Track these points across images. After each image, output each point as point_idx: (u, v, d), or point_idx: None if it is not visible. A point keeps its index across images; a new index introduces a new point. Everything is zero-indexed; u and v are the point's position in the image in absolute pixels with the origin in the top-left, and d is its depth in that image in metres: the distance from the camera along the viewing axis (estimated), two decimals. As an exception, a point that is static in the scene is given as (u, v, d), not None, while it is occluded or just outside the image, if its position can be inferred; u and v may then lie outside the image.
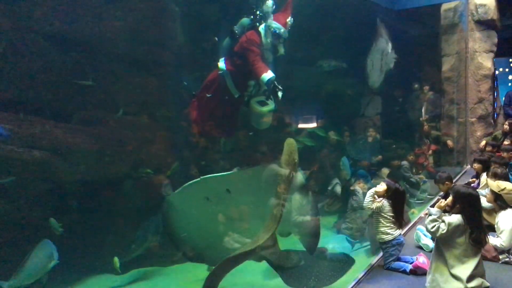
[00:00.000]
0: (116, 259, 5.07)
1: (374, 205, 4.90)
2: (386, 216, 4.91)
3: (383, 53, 9.71)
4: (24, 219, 4.81)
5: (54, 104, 5.23)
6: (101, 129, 5.43)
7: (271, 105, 6.37)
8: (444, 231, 3.84)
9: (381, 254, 5.19)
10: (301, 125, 9.71)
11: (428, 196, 8.70)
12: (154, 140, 6.11)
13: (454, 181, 8.92)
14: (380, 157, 9.43)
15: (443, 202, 4.01)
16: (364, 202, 5.02)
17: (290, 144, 5.05)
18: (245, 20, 6.38)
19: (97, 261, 5.27)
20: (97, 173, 5.32)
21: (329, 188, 8.61)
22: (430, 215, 3.94)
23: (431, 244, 5.67)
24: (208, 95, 6.23)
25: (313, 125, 9.96)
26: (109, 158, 5.40)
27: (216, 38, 6.54)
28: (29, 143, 4.69)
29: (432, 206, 4.09)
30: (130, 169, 5.70)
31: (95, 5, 5.59)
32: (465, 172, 10.23)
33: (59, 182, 4.97)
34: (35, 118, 4.92)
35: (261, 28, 6.24)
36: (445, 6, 10.95)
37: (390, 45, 9.81)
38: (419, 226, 6.18)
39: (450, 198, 4.01)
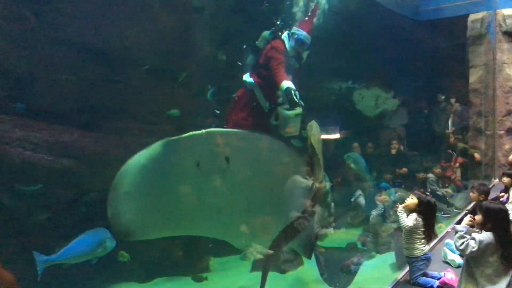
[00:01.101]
0: (123, 252, 4.95)
1: (411, 222, 4.57)
2: (419, 231, 4.61)
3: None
4: (50, 225, 4.89)
5: (82, 113, 5.34)
6: (127, 138, 5.50)
7: (298, 110, 6.30)
8: (475, 249, 3.71)
9: (407, 268, 5.07)
10: (323, 136, 9.65)
11: (455, 210, 8.51)
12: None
13: (481, 194, 8.72)
14: (405, 169, 9.28)
15: (471, 219, 3.89)
16: (401, 221, 4.61)
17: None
18: (266, 33, 6.39)
19: (122, 268, 5.29)
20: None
21: (352, 199, 8.51)
22: (457, 232, 3.83)
23: (458, 260, 5.52)
24: (239, 110, 6.21)
25: (337, 136, 9.89)
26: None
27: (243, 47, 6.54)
28: (58, 151, 4.77)
29: (459, 222, 3.98)
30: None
31: (123, 18, 5.70)
32: (493, 186, 9.97)
33: (85, 190, 5.05)
34: (63, 127, 5.02)
35: (284, 36, 6.24)
36: (472, 17, 10.78)
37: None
38: (447, 241, 6.04)
39: (479, 216, 3.89)
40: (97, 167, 5.02)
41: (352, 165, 8.10)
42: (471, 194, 6.09)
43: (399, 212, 4.62)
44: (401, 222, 4.59)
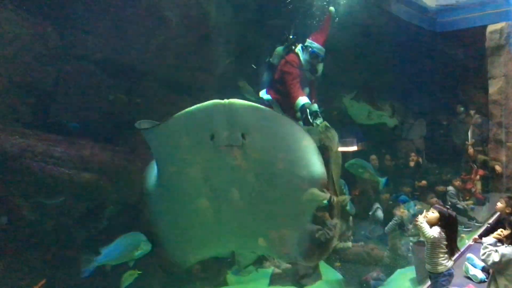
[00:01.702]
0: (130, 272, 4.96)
1: (436, 234, 4.44)
2: (442, 245, 4.50)
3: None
4: (69, 238, 4.95)
5: (102, 127, 5.43)
6: (147, 151, 5.55)
7: (318, 121, 6.25)
8: (496, 260, 3.67)
9: (428, 283, 4.98)
10: (341, 148, 9.60)
11: (476, 224, 8.37)
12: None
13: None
14: (424, 182, 9.17)
15: (500, 233, 3.83)
16: (425, 232, 4.44)
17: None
18: (279, 49, 6.40)
19: (138, 282, 5.31)
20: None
21: (370, 213, 8.42)
22: (484, 243, 3.78)
23: (479, 275, 5.43)
24: None
25: (354, 148, 9.84)
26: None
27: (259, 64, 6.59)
28: (79, 165, 4.84)
29: (481, 235, 3.92)
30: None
31: (141, 33, 5.79)
32: (515, 198, 9.78)
33: (106, 203, 5.11)
34: (84, 141, 5.10)
35: (298, 49, 6.23)
36: (490, 28, 10.69)
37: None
38: (468, 255, 5.94)
39: (508, 230, 3.83)
40: (117, 180, 5.08)
41: (360, 170, 7.93)
42: (498, 204, 5.98)
43: (421, 223, 4.52)
44: (425, 233, 4.46)
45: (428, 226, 4.50)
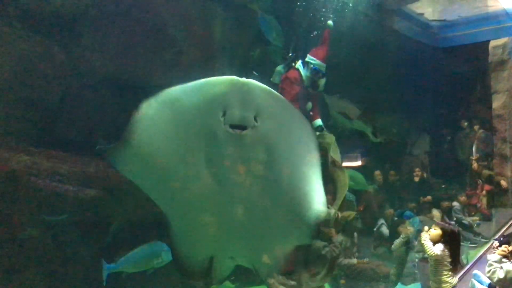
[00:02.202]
0: None
1: (439, 251, 4.44)
2: (445, 262, 4.51)
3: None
4: (74, 256, 4.94)
5: (108, 143, 5.45)
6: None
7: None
8: (502, 277, 3.64)
9: (434, 301, 4.93)
10: (345, 164, 9.59)
11: (482, 240, 8.29)
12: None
13: (510, 223, 8.51)
14: (429, 197, 9.12)
15: (505, 249, 3.81)
16: (428, 250, 4.47)
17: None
18: (279, 67, 6.41)
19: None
20: (145, 212, 5.41)
21: (375, 229, 8.37)
22: (489, 260, 3.75)
23: (486, 292, 5.37)
24: None
25: (358, 163, 9.82)
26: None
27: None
28: (84, 182, 4.86)
29: (487, 251, 3.90)
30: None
31: (146, 51, 5.85)
32: (522, 214, 9.71)
33: (110, 221, 5.11)
34: (89, 158, 5.12)
35: (298, 65, 6.24)
36: (493, 43, 10.76)
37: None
38: (475, 272, 5.88)
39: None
40: (122, 197, 5.08)
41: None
42: None
43: (424, 240, 4.51)
44: (428, 251, 4.46)
45: (431, 244, 4.49)
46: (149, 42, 5.74)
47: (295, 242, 4.28)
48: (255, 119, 3.35)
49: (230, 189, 3.61)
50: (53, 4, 5.13)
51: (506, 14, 10.54)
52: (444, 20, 10.97)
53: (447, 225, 4.70)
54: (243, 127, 3.33)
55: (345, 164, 9.55)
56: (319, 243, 5.80)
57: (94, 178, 4.92)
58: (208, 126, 3.36)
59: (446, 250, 4.45)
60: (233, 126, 3.32)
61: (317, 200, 3.95)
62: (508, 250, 3.79)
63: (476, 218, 8.98)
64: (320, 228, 6.19)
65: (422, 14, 10.37)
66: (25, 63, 4.92)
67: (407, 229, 7.08)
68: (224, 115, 3.30)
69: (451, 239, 4.52)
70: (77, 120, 5.32)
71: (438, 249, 4.43)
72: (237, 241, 4.13)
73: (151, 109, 3.58)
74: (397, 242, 7.12)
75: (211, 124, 3.34)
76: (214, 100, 3.32)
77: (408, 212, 8.33)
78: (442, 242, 4.52)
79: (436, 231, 4.56)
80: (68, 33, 5.31)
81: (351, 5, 7.93)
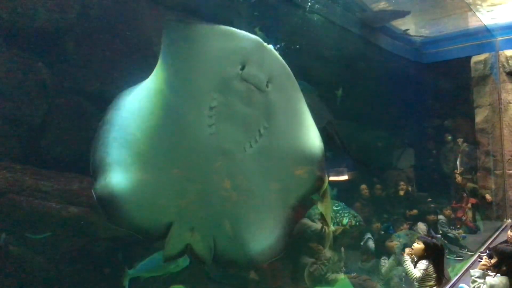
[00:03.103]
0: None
1: (421, 273, 4.45)
2: (430, 278, 4.51)
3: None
4: (58, 274, 4.86)
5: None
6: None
7: None
8: (487, 293, 3.65)
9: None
10: (331, 178, 9.63)
11: (468, 253, 8.34)
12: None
13: (494, 235, 8.59)
14: (415, 211, 9.18)
15: (486, 262, 3.84)
16: (409, 273, 4.48)
17: None
18: None
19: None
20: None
21: (362, 243, 8.37)
22: (472, 276, 3.77)
23: (474, 305, 5.39)
24: None
25: (344, 177, 9.86)
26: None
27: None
28: (67, 199, 4.80)
29: (472, 265, 3.92)
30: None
31: (132, 67, 5.86)
32: (506, 226, 9.81)
33: (94, 238, 5.04)
34: (73, 174, 5.07)
35: None
36: (475, 59, 11.00)
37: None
38: (461, 285, 5.91)
39: (494, 259, 3.83)
40: (106, 214, 5.03)
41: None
42: (509, 233, 6.04)
43: (405, 262, 4.53)
44: (409, 274, 4.50)
45: (412, 266, 4.53)
46: (134, 59, 5.74)
47: (279, 227, 3.89)
48: (267, 84, 3.36)
49: (226, 141, 3.46)
50: (38, 20, 5.12)
51: (486, 31, 10.80)
52: (426, 37, 11.19)
53: (430, 238, 4.72)
54: (255, 87, 3.33)
55: (331, 178, 9.64)
56: (307, 260, 5.80)
57: (78, 195, 4.86)
58: (226, 73, 3.31)
59: (430, 266, 4.48)
60: (247, 82, 3.31)
61: (311, 180, 3.81)
62: (489, 263, 3.81)
63: (461, 231, 9.05)
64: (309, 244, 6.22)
65: (407, 30, 10.57)
66: (9, 80, 4.89)
67: (393, 244, 7.11)
68: (242, 69, 3.28)
69: (434, 253, 4.55)
70: (61, 137, 5.27)
71: (418, 272, 4.46)
72: (211, 210, 3.76)
73: (178, 33, 3.40)
74: (387, 267, 7.12)
75: (229, 72, 3.30)
76: (237, 51, 3.28)
77: (391, 229, 8.39)
78: (426, 257, 4.54)
79: (419, 245, 4.59)
80: (52, 50, 5.30)
81: (337, 22, 8.09)
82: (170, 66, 3.45)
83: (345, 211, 7.56)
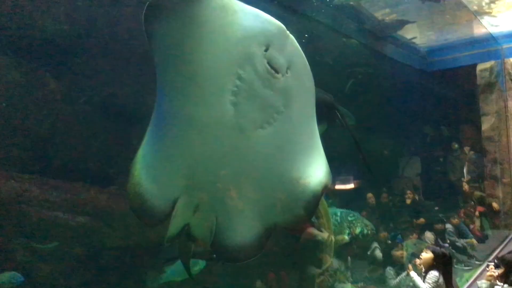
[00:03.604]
0: None
1: (431, 287, 4.40)
2: None
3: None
4: (65, 284, 4.87)
5: (99, 169, 5.44)
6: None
7: None
8: (494, 303, 3.61)
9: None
10: (338, 186, 9.60)
11: (477, 262, 8.27)
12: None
13: (503, 244, 8.51)
14: (422, 219, 9.12)
15: (492, 273, 3.80)
16: (418, 286, 4.47)
17: None
18: None
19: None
20: (138, 238, 5.37)
21: (369, 253, 8.32)
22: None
23: (483, 314, 5.33)
24: None
25: (350, 186, 9.83)
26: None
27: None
28: (74, 209, 4.82)
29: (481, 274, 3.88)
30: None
31: (138, 77, 5.90)
32: (514, 235, 9.73)
33: (101, 248, 5.05)
34: (80, 184, 5.09)
35: None
36: (480, 67, 10.98)
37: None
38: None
39: (501, 269, 3.80)
40: (113, 224, 5.04)
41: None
42: None
43: (413, 279, 4.50)
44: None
45: (420, 281, 4.50)
46: (140, 69, 5.78)
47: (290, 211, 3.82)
48: (286, 70, 3.39)
49: (244, 118, 3.43)
50: (46, 32, 5.18)
51: (492, 38, 10.79)
52: (432, 45, 11.20)
53: (438, 248, 4.68)
54: (276, 71, 3.35)
55: (338, 186, 9.62)
56: (314, 271, 5.76)
57: (85, 205, 4.88)
58: (251, 51, 3.31)
59: (440, 277, 4.43)
60: (269, 64, 3.34)
61: (318, 169, 3.77)
62: (497, 273, 3.78)
63: (471, 240, 8.95)
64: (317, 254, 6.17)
65: (415, 38, 10.58)
66: (17, 91, 4.94)
67: (400, 253, 7.07)
68: (266, 50, 3.31)
69: (442, 262, 4.51)
70: (68, 147, 5.31)
71: (429, 284, 4.43)
72: (219, 188, 3.66)
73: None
74: (397, 281, 7.06)
75: (254, 51, 3.31)
76: (263, 32, 3.32)
77: (399, 237, 8.33)
78: (434, 266, 4.50)
79: (427, 255, 4.56)
80: (60, 61, 5.35)
81: (343, 31, 8.13)
82: (199, 34, 3.34)
83: (358, 221, 7.57)
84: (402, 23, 9.74)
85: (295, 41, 3.42)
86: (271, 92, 3.38)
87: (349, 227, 7.41)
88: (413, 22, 9.72)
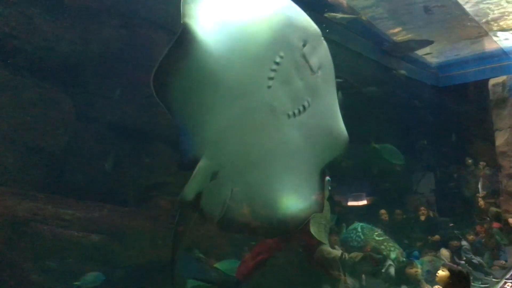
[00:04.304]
0: None
1: None
2: None
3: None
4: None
5: (112, 188, 5.49)
6: (156, 211, 5.57)
7: None
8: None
9: None
10: (350, 203, 9.54)
11: (494, 279, 8.10)
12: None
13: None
14: (437, 236, 8.99)
15: None
16: None
17: None
18: None
19: None
20: (151, 257, 5.37)
21: (383, 270, 8.19)
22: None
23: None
24: None
25: (363, 202, 9.76)
26: (162, 241, 5.47)
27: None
28: (87, 227, 4.86)
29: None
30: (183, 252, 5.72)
31: (150, 96, 5.97)
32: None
33: (115, 266, 5.06)
34: (93, 202, 5.14)
35: None
36: (492, 81, 10.90)
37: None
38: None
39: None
40: (126, 241, 5.06)
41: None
42: None
43: None
44: None
45: None
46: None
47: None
48: (317, 70, 3.65)
49: (277, 100, 3.61)
50: (61, 53, 5.30)
51: (503, 53, 10.75)
52: (442, 60, 11.19)
53: (455, 266, 4.57)
54: (309, 66, 3.60)
55: (350, 203, 9.55)
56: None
57: (98, 223, 4.92)
58: (292, 42, 3.55)
59: None
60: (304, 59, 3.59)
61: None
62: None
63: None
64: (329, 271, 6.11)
65: (429, 54, 10.57)
66: (33, 110, 5.03)
67: (415, 271, 6.95)
68: (303, 45, 3.55)
69: (459, 280, 4.41)
70: (82, 166, 5.37)
71: None
72: (240, 160, 3.75)
73: None
74: None
75: (294, 43, 3.55)
76: (304, 29, 3.61)
77: (416, 252, 8.19)
78: (451, 284, 4.40)
79: (444, 273, 4.45)
80: (74, 81, 5.45)
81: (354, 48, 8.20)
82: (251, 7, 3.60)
83: (389, 242, 7.35)
84: (420, 44, 9.79)
85: (327, 48, 3.72)
86: (302, 83, 3.60)
87: (382, 249, 7.19)
88: (431, 42, 9.74)
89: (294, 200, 3.87)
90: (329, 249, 6.23)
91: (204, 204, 3.77)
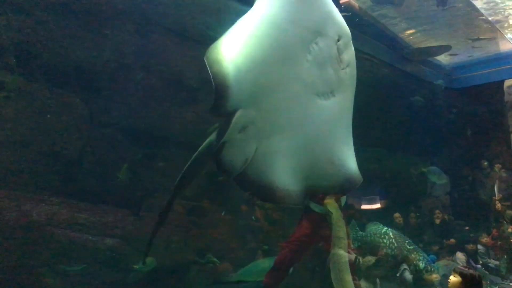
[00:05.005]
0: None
1: None
2: None
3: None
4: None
5: (126, 192, 5.52)
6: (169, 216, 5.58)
7: None
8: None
9: None
10: (364, 206, 9.48)
11: (511, 284, 7.97)
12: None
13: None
14: (452, 240, 8.88)
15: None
16: None
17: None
18: None
19: None
20: (164, 261, 5.39)
21: (398, 274, 8.10)
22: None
23: None
24: None
25: (377, 205, 9.69)
26: (176, 245, 5.49)
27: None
28: (102, 231, 4.89)
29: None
30: (196, 256, 5.74)
31: (164, 101, 6.02)
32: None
33: (128, 270, 5.09)
34: (108, 207, 5.18)
35: None
36: (508, 83, 10.79)
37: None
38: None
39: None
40: (141, 246, 5.08)
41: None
42: None
43: None
44: None
45: None
46: (166, 93, 5.90)
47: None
48: (347, 65, 3.95)
49: (312, 79, 3.86)
50: (75, 59, 5.35)
51: (519, 55, 10.62)
52: (456, 62, 11.07)
53: (466, 269, 4.43)
54: (339, 60, 3.89)
55: (364, 206, 9.48)
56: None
57: (112, 227, 4.96)
58: (329, 33, 3.83)
59: None
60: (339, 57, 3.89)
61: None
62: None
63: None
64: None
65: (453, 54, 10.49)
66: (48, 116, 5.09)
67: (434, 277, 6.85)
68: (338, 41, 3.85)
69: (472, 285, 4.28)
70: (96, 170, 5.41)
71: None
72: (270, 122, 3.89)
73: None
74: None
75: (331, 34, 3.84)
76: (339, 25, 3.91)
77: (431, 256, 8.08)
78: (464, 290, 4.28)
79: (455, 278, 4.30)
80: (89, 86, 5.50)
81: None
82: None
83: (420, 253, 7.31)
84: (440, 50, 9.73)
85: (354, 52, 4.02)
86: (332, 72, 3.86)
87: (412, 258, 7.25)
88: (449, 47, 9.68)
89: (307, 175, 3.96)
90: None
91: (225, 155, 3.72)
